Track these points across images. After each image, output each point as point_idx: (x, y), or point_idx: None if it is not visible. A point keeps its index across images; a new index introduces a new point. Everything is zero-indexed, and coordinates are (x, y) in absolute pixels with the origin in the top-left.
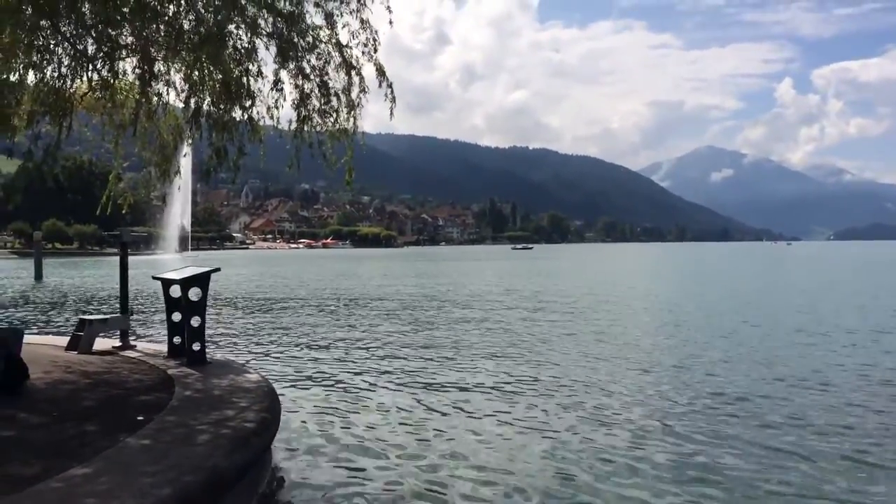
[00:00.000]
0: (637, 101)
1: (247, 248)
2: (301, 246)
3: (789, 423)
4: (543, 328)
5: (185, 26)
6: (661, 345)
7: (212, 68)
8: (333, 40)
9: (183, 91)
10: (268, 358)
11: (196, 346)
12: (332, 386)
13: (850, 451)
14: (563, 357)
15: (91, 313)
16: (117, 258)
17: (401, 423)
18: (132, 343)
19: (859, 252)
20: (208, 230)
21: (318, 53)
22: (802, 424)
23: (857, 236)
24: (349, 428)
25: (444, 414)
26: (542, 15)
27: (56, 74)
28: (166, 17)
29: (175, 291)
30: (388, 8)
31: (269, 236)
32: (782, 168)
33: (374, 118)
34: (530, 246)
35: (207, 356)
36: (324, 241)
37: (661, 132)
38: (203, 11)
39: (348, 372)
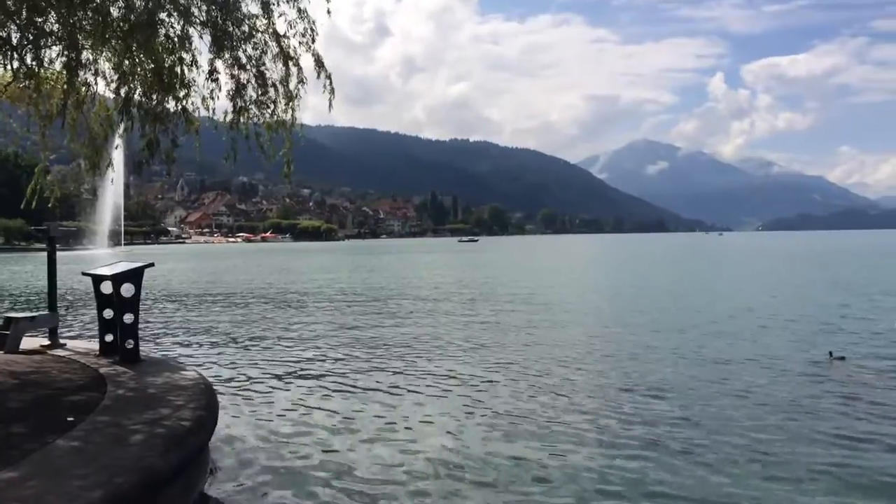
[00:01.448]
0: (575, 94)
1: (183, 243)
2: (239, 240)
3: (701, 416)
4: (484, 320)
5: (115, 13)
6: (598, 337)
7: (143, 57)
8: (270, 30)
9: (113, 81)
10: (205, 355)
11: (129, 344)
12: (271, 382)
13: (752, 444)
14: (502, 350)
15: (18, 311)
16: (45, 254)
17: (340, 419)
18: (62, 342)
19: (786, 243)
20: (142, 224)
21: (255, 43)
22: (707, 416)
23: (785, 227)
24: (288, 425)
25: (383, 409)
26: (483, 8)
27: None
28: (94, 4)
29: (106, 287)
30: None
31: (206, 230)
32: (714, 161)
33: (313, 110)
34: (476, 238)
35: (141, 354)
36: (263, 234)
37: (598, 125)
38: None
39: (287, 368)
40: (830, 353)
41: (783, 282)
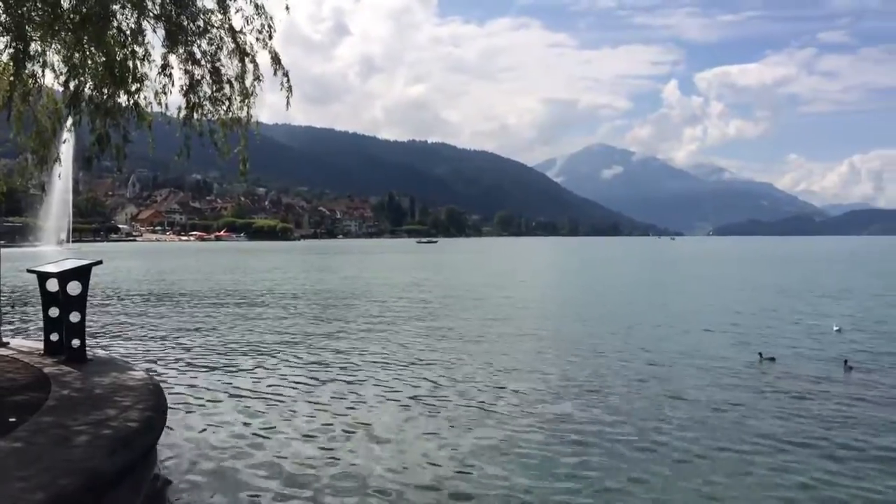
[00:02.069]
0: (533, 98)
1: (134, 241)
2: (192, 238)
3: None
4: (440, 323)
5: (65, 4)
6: (549, 339)
7: (94, 50)
8: (226, 25)
9: (62, 73)
10: (154, 355)
11: (75, 343)
12: (221, 382)
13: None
14: (453, 352)
15: None
16: None
17: (290, 421)
18: (5, 340)
19: (735, 248)
20: (91, 221)
21: (210, 38)
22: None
23: (735, 232)
24: (237, 425)
25: (333, 409)
26: (442, 10)
27: None
28: None
29: (52, 285)
30: None
31: (158, 228)
32: (668, 166)
33: (270, 108)
34: (435, 240)
35: (88, 353)
36: (217, 233)
37: (555, 129)
38: None
39: (238, 368)
40: (761, 355)
41: (729, 286)
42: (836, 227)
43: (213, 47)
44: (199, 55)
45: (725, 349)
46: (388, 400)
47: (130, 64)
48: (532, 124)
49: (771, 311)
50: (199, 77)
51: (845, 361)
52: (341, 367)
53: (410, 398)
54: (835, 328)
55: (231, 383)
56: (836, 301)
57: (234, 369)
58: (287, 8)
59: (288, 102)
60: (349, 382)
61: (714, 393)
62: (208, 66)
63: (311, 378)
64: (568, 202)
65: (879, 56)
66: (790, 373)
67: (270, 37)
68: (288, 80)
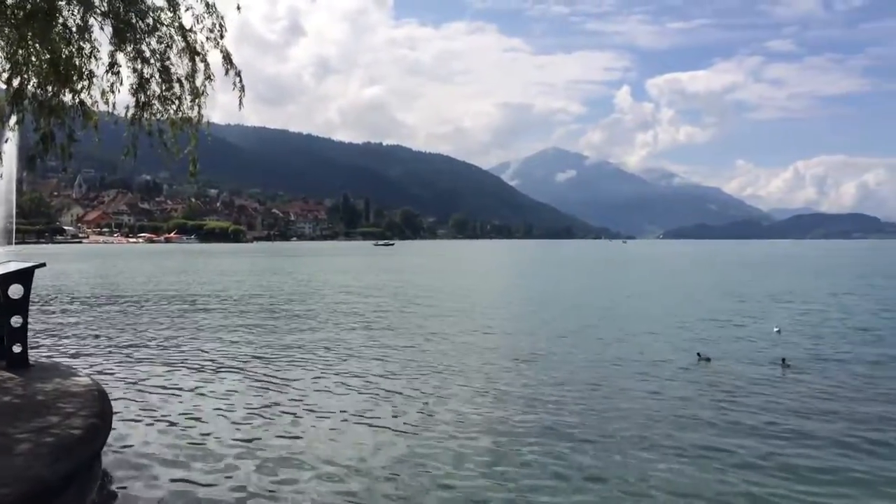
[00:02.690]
0: (489, 101)
1: (80, 243)
2: (141, 240)
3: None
4: (394, 325)
5: (9, 0)
6: (499, 342)
7: (39, 47)
8: (176, 23)
9: (5, 70)
10: (99, 360)
11: (17, 349)
12: (167, 388)
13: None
14: (406, 355)
15: None
16: None
17: (235, 426)
18: None
19: (683, 251)
20: (35, 223)
21: (160, 36)
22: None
23: (684, 235)
24: (184, 431)
25: (280, 414)
26: (398, 12)
27: None
28: None
29: None
30: None
31: (106, 230)
32: (620, 170)
33: (222, 108)
34: (391, 242)
35: (31, 359)
36: (166, 235)
37: (510, 133)
38: None
39: (185, 374)
40: (699, 355)
41: (676, 289)
42: (782, 230)
43: (163, 45)
44: (148, 53)
45: (667, 351)
46: (330, 400)
47: (76, 61)
48: (487, 128)
49: (716, 313)
50: (148, 76)
51: (783, 360)
52: (287, 370)
53: (354, 401)
54: (775, 329)
55: (178, 386)
56: (779, 303)
57: (180, 373)
58: (238, 7)
59: (240, 102)
60: (295, 385)
61: (651, 393)
62: (158, 64)
63: (257, 380)
64: (522, 205)
65: (824, 65)
66: (726, 372)
67: (222, 36)
68: (240, 80)
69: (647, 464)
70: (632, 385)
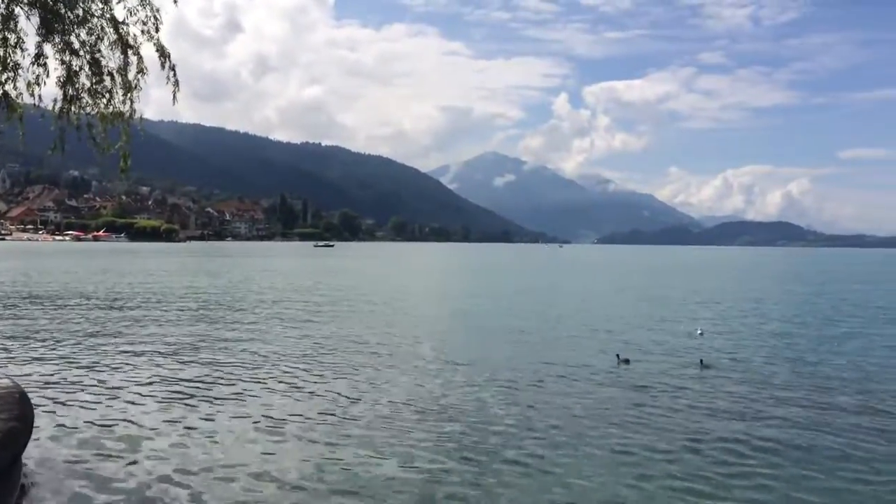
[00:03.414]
0: (429, 104)
1: (2, 240)
2: (68, 238)
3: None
4: (333, 327)
5: None
6: (426, 344)
7: None
8: (108, 15)
9: None
10: (20, 361)
11: None
12: (91, 390)
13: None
14: (343, 356)
15: None
16: None
17: (159, 429)
18: None
19: (616, 256)
20: None
21: (90, 28)
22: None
23: (618, 241)
24: (107, 435)
25: (206, 418)
26: (339, 13)
27: None
28: None
29: None
30: None
31: (30, 227)
32: (557, 176)
33: (156, 103)
34: (331, 243)
35: None
36: (95, 233)
37: (450, 136)
38: None
39: (110, 376)
40: (618, 356)
41: (609, 292)
42: (711, 237)
43: (94, 37)
44: (77, 45)
45: (591, 353)
46: (245, 406)
47: (1, 52)
48: (427, 131)
49: (643, 316)
50: (77, 68)
51: (700, 361)
52: (210, 374)
53: (271, 405)
54: (698, 332)
55: (104, 391)
56: (704, 307)
57: (106, 376)
58: (175, 1)
59: (174, 97)
60: (215, 390)
61: (571, 392)
62: (87, 56)
63: (192, 386)
64: (461, 208)
65: (752, 77)
66: (644, 373)
67: (157, 29)
68: (174, 75)
69: (563, 459)
70: (552, 385)
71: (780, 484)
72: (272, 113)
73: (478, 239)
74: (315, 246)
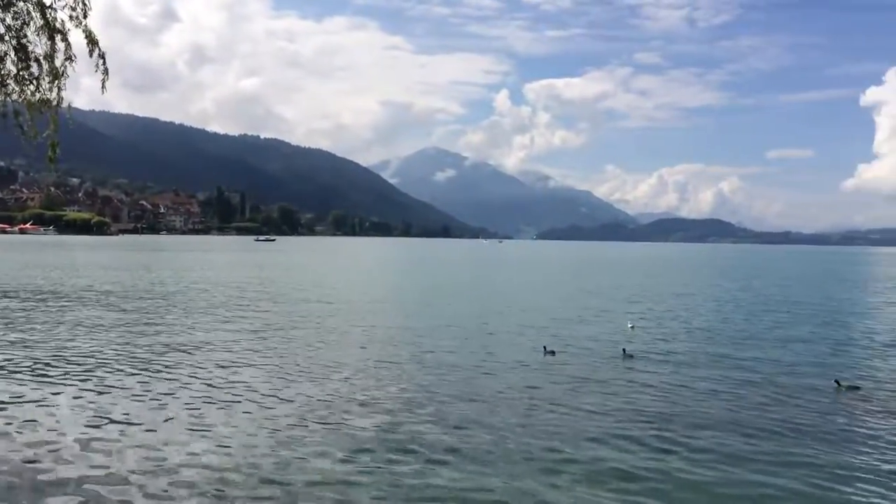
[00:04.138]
0: (370, 98)
1: None
2: None
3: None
4: (270, 322)
5: None
6: (360, 341)
7: None
8: (34, 0)
9: None
10: None
11: None
12: (10, 388)
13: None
14: (278, 354)
15: None
16: None
17: (85, 427)
18: None
19: (555, 251)
20: None
21: (16, 13)
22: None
23: (557, 236)
24: (23, 438)
25: (137, 417)
26: (278, 3)
27: None
28: None
29: None
30: None
31: None
32: (498, 172)
33: (87, 93)
34: (273, 238)
35: None
36: (21, 226)
37: (391, 131)
38: None
39: (22, 376)
40: (545, 348)
41: (546, 287)
42: (646, 234)
43: (19, 22)
44: (2, 30)
45: (521, 346)
46: (173, 397)
47: None
48: (368, 125)
49: (579, 310)
50: (2, 53)
51: (623, 351)
52: (133, 373)
53: (187, 407)
54: (629, 325)
55: (16, 390)
56: (637, 301)
57: (18, 375)
58: None
59: (104, 85)
60: (137, 389)
61: (498, 383)
62: (13, 41)
63: (100, 383)
64: (402, 203)
65: (686, 78)
66: (568, 364)
67: (85, 15)
68: (104, 63)
69: (490, 445)
70: (477, 377)
71: (684, 467)
72: (209, 104)
73: (418, 234)
74: (256, 240)
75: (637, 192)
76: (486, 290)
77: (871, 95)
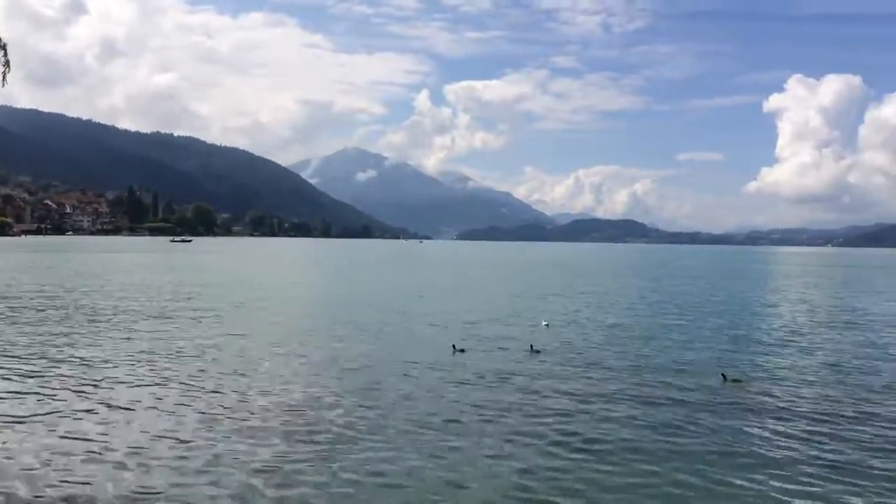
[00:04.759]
0: (289, 96)
1: None
2: None
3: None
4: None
5: None
6: (275, 341)
7: None
8: None
9: None
10: None
11: None
12: None
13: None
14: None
15: None
16: None
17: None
18: None
19: (477, 252)
20: None
21: None
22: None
23: (477, 237)
24: None
25: (50, 414)
26: None
27: None
28: None
29: None
30: None
31: None
32: (419, 172)
33: None
34: (189, 239)
35: None
36: None
37: (311, 130)
38: None
39: None
40: (454, 346)
41: (460, 286)
42: (563, 234)
43: None
44: None
45: (434, 344)
46: (89, 396)
47: None
48: (287, 123)
49: (495, 309)
50: None
51: (531, 347)
52: (53, 374)
53: (131, 401)
54: (544, 323)
55: None
56: (553, 300)
57: None
58: None
59: (4, 78)
60: (35, 393)
61: (404, 382)
62: None
63: (36, 387)
64: (322, 203)
65: (602, 82)
66: (477, 360)
67: None
68: (6, 54)
69: (386, 442)
70: (388, 377)
71: (579, 458)
72: (119, 100)
73: (339, 234)
74: (171, 241)
75: (555, 193)
76: (404, 291)
77: (773, 102)
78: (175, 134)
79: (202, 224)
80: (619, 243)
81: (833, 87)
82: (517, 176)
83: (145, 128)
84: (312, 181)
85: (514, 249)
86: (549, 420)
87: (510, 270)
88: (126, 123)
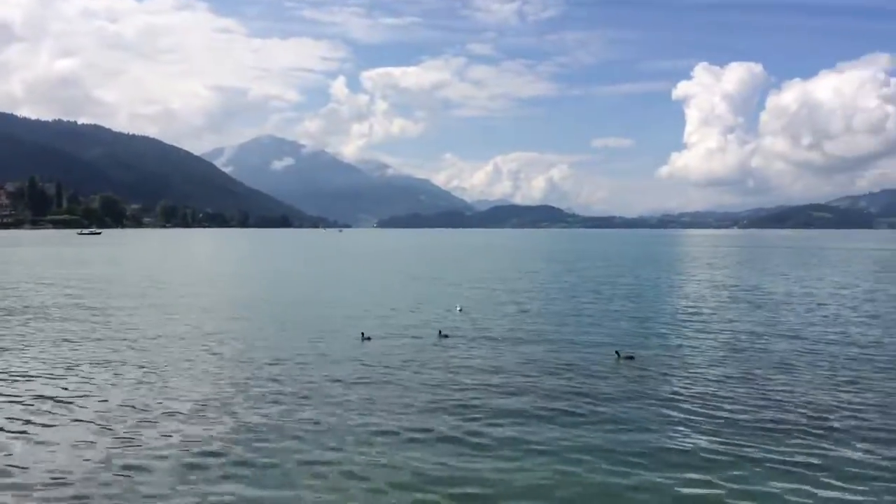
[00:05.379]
0: (200, 83)
1: None
2: None
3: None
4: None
5: None
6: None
7: None
8: None
9: None
10: None
11: None
12: None
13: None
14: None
15: None
16: None
17: None
18: None
19: (396, 239)
20: None
21: None
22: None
23: (397, 224)
24: None
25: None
26: None
27: None
28: None
29: None
30: None
31: None
32: (336, 160)
33: None
34: (98, 231)
35: None
36: None
37: (224, 117)
38: None
39: None
40: (362, 334)
41: (375, 274)
42: (483, 220)
43: None
44: None
45: (340, 334)
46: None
47: None
48: (199, 111)
49: (409, 296)
50: None
51: (440, 332)
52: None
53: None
54: (457, 308)
55: None
56: (468, 286)
57: None
58: None
59: None
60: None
61: (311, 371)
62: None
63: None
64: (237, 193)
65: (518, 69)
66: (384, 347)
67: None
68: None
69: (303, 429)
70: (291, 367)
71: (481, 429)
72: (18, 87)
73: (256, 224)
74: (79, 234)
75: (474, 179)
76: (317, 281)
77: (681, 89)
78: (79, 122)
79: (110, 215)
80: (537, 228)
81: (736, 74)
82: (436, 163)
83: (46, 115)
84: (227, 170)
85: (434, 236)
86: (450, 397)
87: (429, 257)
88: (26, 111)
